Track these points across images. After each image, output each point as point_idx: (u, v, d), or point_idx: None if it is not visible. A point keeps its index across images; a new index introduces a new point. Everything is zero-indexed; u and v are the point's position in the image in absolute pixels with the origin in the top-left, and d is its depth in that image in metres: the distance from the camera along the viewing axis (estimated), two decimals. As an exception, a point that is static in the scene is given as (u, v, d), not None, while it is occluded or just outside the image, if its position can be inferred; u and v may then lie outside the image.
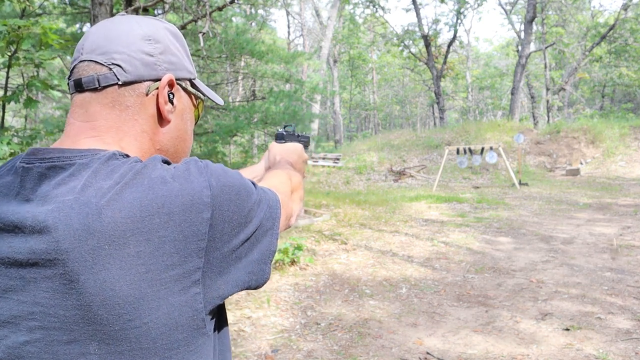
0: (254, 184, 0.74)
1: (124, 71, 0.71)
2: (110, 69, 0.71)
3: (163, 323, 0.61)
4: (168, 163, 0.69)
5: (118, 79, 0.71)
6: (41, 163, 0.66)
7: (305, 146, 1.31)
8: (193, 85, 0.83)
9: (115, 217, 0.60)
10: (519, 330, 3.68)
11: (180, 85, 0.79)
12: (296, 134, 1.30)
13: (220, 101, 0.90)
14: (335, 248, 6.48)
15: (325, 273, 5.40)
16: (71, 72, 0.74)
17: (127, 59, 0.72)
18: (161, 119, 0.76)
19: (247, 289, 0.72)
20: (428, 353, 3.37)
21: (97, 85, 0.71)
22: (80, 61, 0.72)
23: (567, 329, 3.65)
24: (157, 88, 0.74)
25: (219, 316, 0.74)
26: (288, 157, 1.16)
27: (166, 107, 0.75)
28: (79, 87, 0.72)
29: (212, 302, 0.66)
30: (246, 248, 0.69)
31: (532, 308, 4.13)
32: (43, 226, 0.60)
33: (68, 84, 0.75)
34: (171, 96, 0.76)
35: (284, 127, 1.27)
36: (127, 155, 0.69)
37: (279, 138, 1.25)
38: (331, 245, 6.61)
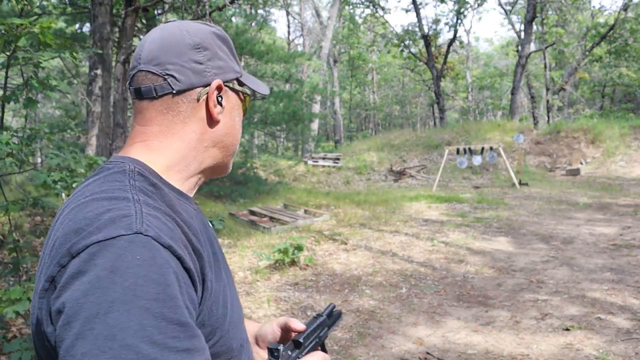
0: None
1: (177, 81, 0.77)
2: (165, 79, 0.77)
3: None
4: (148, 179, 0.73)
5: (172, 89, 0.77)
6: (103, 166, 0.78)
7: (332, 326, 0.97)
8: (240, 82, 0.86)
9: (59, 231, 0.65)
10: (519, 330, 3.68)
11: (228, 86, 0.83)
12: (315, 328, 0.88)
13: (267, 90, 0.92)
14: (335, 248, 6.48)
15: (325, 273, 5.39)
16: (131, 79, 0.80)
17: (180, 69, 0.77)
18: (211, 120, 0.81)
19: None
20: (428, 353, 3.37)
21: (155, 95, 0.78)
22: (139, 70, 0.78)
23: (567, 329, 3.65)
24: (207, 93, 0.79)
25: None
26: None
27: (215, 110, 0.80)
28: (138, 95, 0.79)
29: None
30: None
31: (532, 308, 4.12)
32: None
33: (129, 90, 0.81)
34: (220, 99, 0.81)
35: (300, 337, 0.83)
36: (141, 173, 0.73)
37: (273, 356, 0.78)
38: (331, 245, 6.60)
